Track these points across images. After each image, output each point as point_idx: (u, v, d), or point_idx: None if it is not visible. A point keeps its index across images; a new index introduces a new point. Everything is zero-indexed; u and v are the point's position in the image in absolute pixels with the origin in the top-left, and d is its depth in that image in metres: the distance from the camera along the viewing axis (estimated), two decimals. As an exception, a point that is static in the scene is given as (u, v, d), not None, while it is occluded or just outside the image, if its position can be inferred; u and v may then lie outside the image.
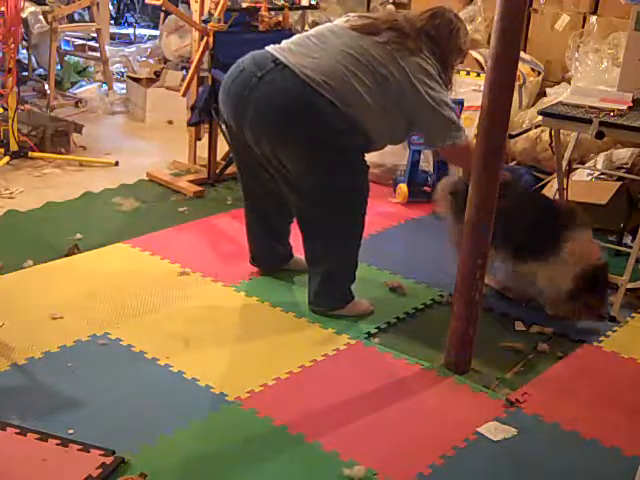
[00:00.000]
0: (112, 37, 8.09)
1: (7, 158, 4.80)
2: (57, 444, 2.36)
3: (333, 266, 3.27)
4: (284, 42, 3.16)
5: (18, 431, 2.41)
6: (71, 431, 2.44)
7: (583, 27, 5.28)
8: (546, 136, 4.35)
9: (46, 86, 6.11)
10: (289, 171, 3.11)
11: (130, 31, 8.61)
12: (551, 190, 3.84)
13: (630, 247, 3.61)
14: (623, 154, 4.36)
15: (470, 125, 4.89)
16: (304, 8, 5.89)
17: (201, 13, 4.69)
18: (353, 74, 2.98)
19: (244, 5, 4.91)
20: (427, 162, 4.86)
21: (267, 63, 3.05)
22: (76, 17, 7.83)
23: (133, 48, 7.52)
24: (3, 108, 4.87)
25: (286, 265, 3.60)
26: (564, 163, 3.73)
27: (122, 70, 7.08)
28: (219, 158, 4.88)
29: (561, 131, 3.61)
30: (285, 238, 3.58)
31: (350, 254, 3.28)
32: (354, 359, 3.00)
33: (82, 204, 4.39)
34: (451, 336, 2.93)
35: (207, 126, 4.76)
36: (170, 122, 5.97)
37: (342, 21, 3.17)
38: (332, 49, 3.04)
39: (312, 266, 3.31)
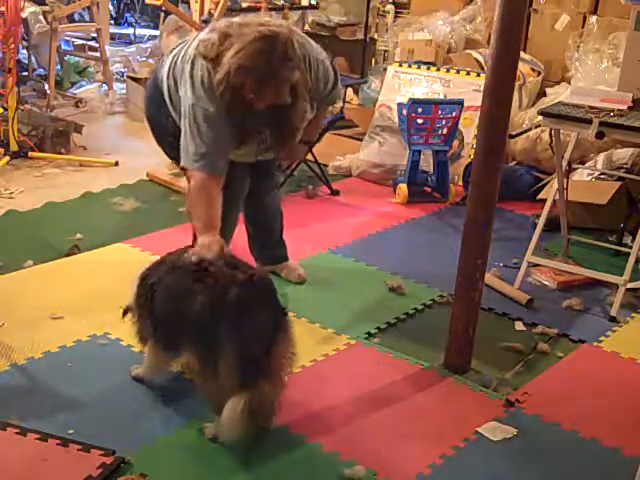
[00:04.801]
0: (112, 37, 8.09)
1: (7, 158, 4.80)
2: (57, 444, 2.36)
3: None
4: None
5: (18, 431, 2.41)
6: (71, 431, 2.44)
7: (583, 27, 5.28)
8: (546, 136, 4.35)
9: (46, 86, 6.11)
10: None
11: (130, 31, 8.61)
12: (551, 190, 3.84)
13: (630, 247, 3.61)
14: (623, 154, 4.36)
15: (470, 125, 4.90)
16: (304, 8, 5.92)
17: (201, 13, 4.70)
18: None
19: (244, 5, 4.92)
20: (427, 162, 4.86)
21: None
22: (76, 17, 7.83)
23: (133, 48, 7.52)
24: (3, 108, 4.87)
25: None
26: (564, 163, 3.72)
27: (122, 70, 7.08)
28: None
29: (561, 131, 3.61)
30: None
31: None
32: (354, 359, 3.00)
33: (82, 204, 4.39)
34: (451, 336, 2.92)
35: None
36: (170, 122, 5.97)
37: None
38: None
39: None
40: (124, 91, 6.50)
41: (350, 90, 6.17)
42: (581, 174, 4.42)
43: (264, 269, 2.89)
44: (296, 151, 3.34)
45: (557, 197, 3.77)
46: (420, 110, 4.65)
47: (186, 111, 2.80)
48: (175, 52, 2.99)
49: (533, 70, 5.38)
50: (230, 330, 2.32)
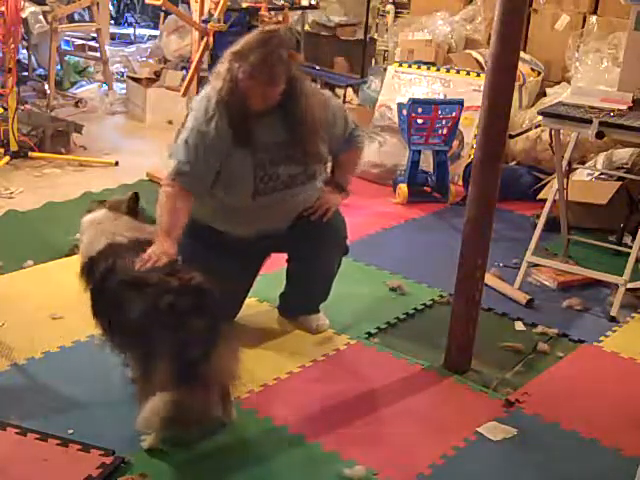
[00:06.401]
0: (112, 37, 8.09)
1: (7, 158, 4.80)
2: (57, 444, 2.36)
3: None
4: None
5: (18, 431, 2.41)
6: (71, 431, 2.44)
7: (583, 27, 5.28)
8: (546, 136, 4.34)
9: (46, 86, 6.11)
10: None
11: (130, 31, 8.61)
12: (551, 190, 3.84)
13: (630, 247, 3.61)
14: (623, 154, 4.36)
15: (470, 125, 4.90)
16: (304, 8, 5.91)
17: (201, 13, 4.70)
18: None
19: (244, 5, 4.92)
20: (427, 162, 4.85)
21: None
22: (76, 17, 7.82)
23: (133, 48, 7.52)
24: (3, 108, 4.87)
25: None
26: (564, 163, 3.72)
27: (122, 70, 7.08)
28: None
29: (561, 131, 3.61)
30: None
31: None
32: (354, 359, 3.00)
33: (82, 204, 4.37)
34: (451, 336, 2.92)
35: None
36: (170, 122, 5.97)
37: None
38: None
39: None
40: (124, 91, 6.50)
41: (350, 90, 6.17)
42: (581, 174, 4.42)
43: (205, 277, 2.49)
44: (329, 199, 3.09)
45: (557, 197, 3.77)
46: (420, 110, 4.65)
47: (181, 132, 2.79)
48: None
49: (533, 70, 5.38)
50: (165, 334, 2.31)
